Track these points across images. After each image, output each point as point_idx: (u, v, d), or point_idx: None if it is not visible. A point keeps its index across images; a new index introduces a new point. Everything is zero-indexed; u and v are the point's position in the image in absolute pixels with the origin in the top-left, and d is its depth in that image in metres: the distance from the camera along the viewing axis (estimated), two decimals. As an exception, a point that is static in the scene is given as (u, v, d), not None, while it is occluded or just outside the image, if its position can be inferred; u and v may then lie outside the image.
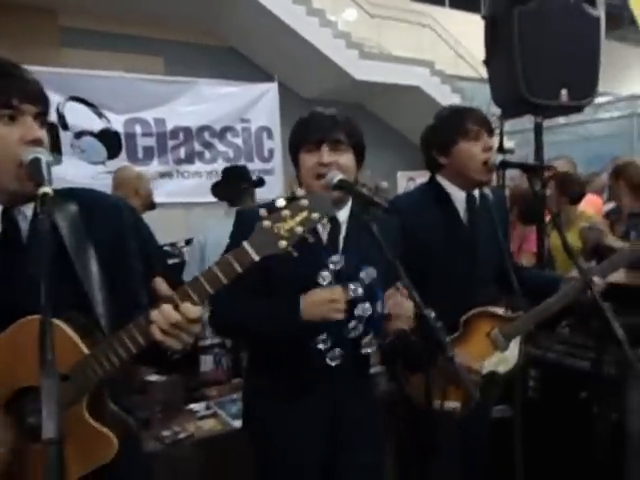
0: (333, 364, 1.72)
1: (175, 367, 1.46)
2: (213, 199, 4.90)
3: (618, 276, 2.61)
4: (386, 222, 1.75)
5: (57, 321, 1.21)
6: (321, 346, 1.69)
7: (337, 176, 1.67)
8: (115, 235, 1.41)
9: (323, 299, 1.60)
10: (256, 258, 1.21)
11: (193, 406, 2.57)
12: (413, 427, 2.15)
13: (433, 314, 1.47)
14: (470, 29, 10.95)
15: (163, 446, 2.26)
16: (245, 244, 1.21)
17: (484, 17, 2.89)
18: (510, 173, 3.17)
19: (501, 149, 2.91)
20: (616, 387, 2.02)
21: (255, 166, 5.07)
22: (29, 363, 1.16)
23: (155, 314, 1.18)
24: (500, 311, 2.11)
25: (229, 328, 1.82)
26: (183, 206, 5.16)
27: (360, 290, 1.70)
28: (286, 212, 1.23)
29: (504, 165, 2.04)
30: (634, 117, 6.21)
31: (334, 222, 1.75)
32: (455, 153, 2.03)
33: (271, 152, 5.12)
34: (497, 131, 3.01)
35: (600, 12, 2.92)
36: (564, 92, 2.80)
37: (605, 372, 2.01)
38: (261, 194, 4.90)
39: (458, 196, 2.09)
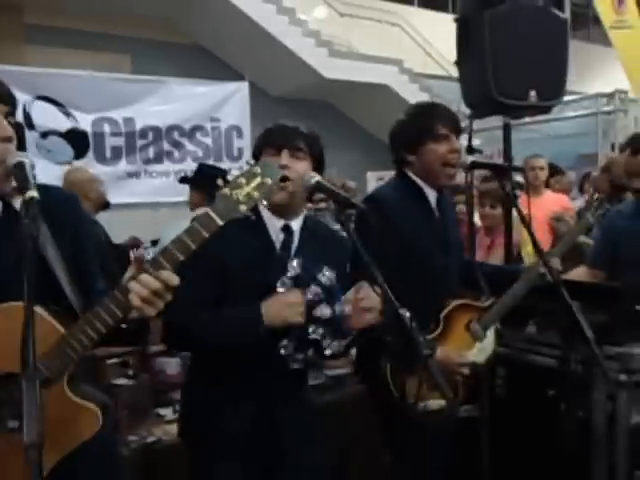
0: (296, 367, 1.73)
1: (129, 338, 1.51)
2: (181, 198, 4.86)
3: (579, 275, 2.69)
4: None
5: (35, 308, 1.24)
6: (283, 351, 1.69)
7: (314, 177, 1.70)
8: (72, 225, 1.51)
9: (283, 303, 1.62)
10: (220, 223, 1.32)
11: (160, 410, 2.55)
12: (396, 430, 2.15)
13: (408, 314, 1.49)
14: (438, 28, 11.06)
15: (130, 451, 2.24)
16: (209, 210, 1.33)
17: (456, 19, 2.91)
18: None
19: (470, 149, 2.95)
20: (582, 384, 2.07)
21: (224, 165, 5.04)
22: (8, 349, 1.20)
23: (134, 284, 1.26)
24: (475, 302, 2.16)
25: (189, 342, 1.76)
26: (150, 206, 5.10)
27: (319, 292, 1.70)
28: (241, 179, 1.34)
29: (475, 166, 2.07)
30: (599, 115, 6.34)
31: (288, 231, 1.78)
32: (422, 152, 2.06)
33: (241, 151, 5.11)
34: (467, 131, 3.06)
35: (566, 13, 2.98)
36: (533, 93, 2.85)
37: (571, 370, 2.05)
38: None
39: (429, 192, 2.13)
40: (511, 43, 2.79)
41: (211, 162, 4.96)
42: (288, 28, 9.12)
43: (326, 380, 2.73)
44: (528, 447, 2.25)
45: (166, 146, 4.76)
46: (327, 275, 1.73)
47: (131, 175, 4.68)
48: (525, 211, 2.13)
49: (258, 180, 1.35)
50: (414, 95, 10.20)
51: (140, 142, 4.65)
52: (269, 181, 1.36)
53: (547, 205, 4.08)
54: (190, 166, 4.91)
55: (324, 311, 1.71)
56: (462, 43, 2.94)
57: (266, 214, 1.78)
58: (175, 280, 1.27)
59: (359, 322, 1.68)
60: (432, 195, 2.14)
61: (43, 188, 1.47)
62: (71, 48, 7.91)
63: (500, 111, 2.97)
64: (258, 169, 1.36)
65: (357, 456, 2.57)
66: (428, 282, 2.02)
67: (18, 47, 7.77)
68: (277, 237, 1.77)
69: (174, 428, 2.38)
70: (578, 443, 2.04)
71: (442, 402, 1.96)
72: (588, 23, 13.32)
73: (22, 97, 3.99)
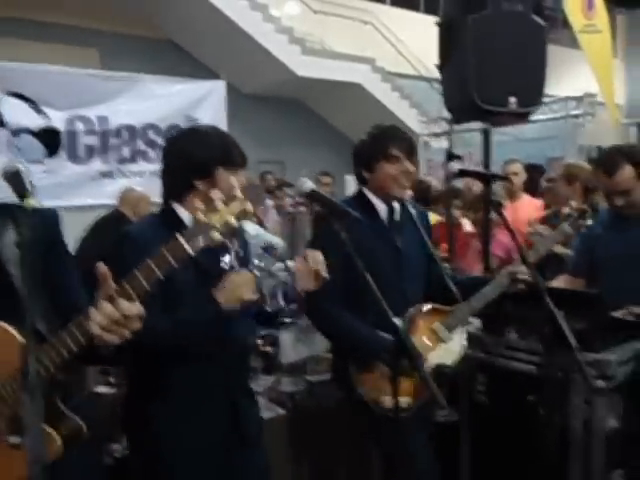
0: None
1: (110, 361, 1.50)
2: (157, 199, 4.78)
3: (562, 283, 2.76)
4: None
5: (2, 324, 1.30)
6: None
7: (308, 184, 1.76)
8: (51, 242, 1.48)
9: (235, 284, 1.66)
10: (190, 250, 1.24)
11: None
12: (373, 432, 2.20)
13: (400, 323, 1.57)
14: (410, 27, 11.15)
15: (112, 460, 2.22)
16: (178, 236, 1.24)
17: (438, 23, 2.94)
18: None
19: (450, 155, 2.99)
20: (560, 390, 2.13)
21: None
22: None
23: (93, 312, 1.21)
24: (444, 307, 2.23)
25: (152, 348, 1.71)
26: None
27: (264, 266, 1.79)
28: (220, 204, 1.26)
29: (463, 174, 2.11)
30: (568, 119, 6.44)
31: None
32: (376, 170, 2.21)
33: (217, 151, 5.04)
34: (447, 136, 3.10)
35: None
36: (513, 99, 2.89)
37: (551, 376, 2.10)
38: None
39: (381, 207, 2.26)
40: (493, 48, 2.85)
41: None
42: (261, 24, 9.08)
43: (307, 386, 2.75)
44: (508, 451, 2.30)
45: (141, 145, 4.69)
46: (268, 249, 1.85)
47: (105, 175, 4.59)
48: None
49: (237, 206, 1.27)
50: (386, 94, 10.29)
51: (114, 141, 4.56)
52: (250, 208, 1.30)
53: (523, 210, 4.14)
54: (165, 166, 4.84)
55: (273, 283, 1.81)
56: (444, 47, 2.97)
57: (187, 218, 1.81)
58: (130, 311, 1.21)
59: (305, 285, 1.74)
60: (383, 209, 2.26)
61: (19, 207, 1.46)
62: (36, 41, 7.72)
63: (481, 117, 3.02)
64: (239, 194, 1.28)
65: (345, 460, 2.59)
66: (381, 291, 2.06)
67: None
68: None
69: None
70: (556, 447, 2.10)
71: (404, 400, 2.03)
72: (558, 26, 13.56)
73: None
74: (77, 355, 1.28)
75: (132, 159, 4.68)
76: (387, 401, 2.05)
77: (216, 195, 1.26)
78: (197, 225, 1.25)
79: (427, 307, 2.21)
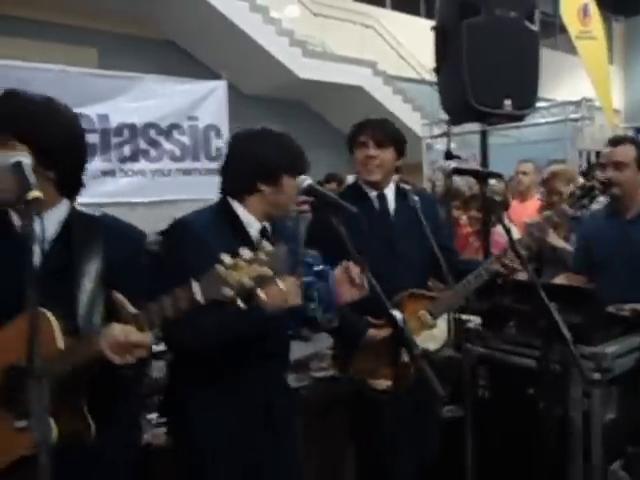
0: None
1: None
2: (158, 198, 4.81)
3: (566, 280, 2.79)
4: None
5: (47, 313, 1.36)
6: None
7: (306, 181, 1.78)
8: (123, 261, 1.52)
9: (280, 288, 1.63)
10: (201, 300, 1.31)
11: (147, 415, 2.54)
12: (366, 421, 2.27)
13: (399, 315, 1.59)
14: (411, 31, 11.20)
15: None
16: (193, 284, 1.31)
17: (434, 28, 2.99)
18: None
19: (449, 155, 3.03)
20: (560, 383, 2.14)
21: (202, 165, 5.01)
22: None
23: (104, 331, 1.32)
24: (425, 292, 2.30)
25: (196, 344, 1.77)
26: (126, 206, 5.00)
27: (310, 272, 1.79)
28: (243, 264, 1.31)
29: (457, 172, 2.13)
30: (567, 122, 6.50)
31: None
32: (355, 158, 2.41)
33: (219, 151, 5.06)
34: (445, 137, 3.13)
35: (536, 24, 3.09)
36: (507, 102, 2.96)
37: (550, 369, 2.12)
38: (210, 193, 4.86)
39: (372, 195, 2.37)
40: (487, 52, 2.91)
41: (189, 161, 4.92)
42: (262, 26, 9.13)
43: (312, 382, 2.77)
44: (509, 444, 2.32)
45: (142, 144, 4.68)
46: (314, 257, 1.82)
47: (106, 174, 4.59)
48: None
49: (258, 269, 1.31)
50: (387, 98, 10.34)
51: (115, 140, 4.56)
52: (269, 274, 1.33)
53: (533, 209, 4.14)
54: (167, 165, 4.85)
55: (321, 290, 1.79)
56: (440, 51, 3.03)
57: (245, 217, 1.85)
58: (141, 340, 1.31)
59: (347, 295, 1.79)
60: (373, 196, 2.38)
61: (114, 222, 1.60)
62: (34, 40, 7.73)
63: (477, 118, 3.08)
64: (265, 258, 1.32)
65: (351, 456, 2.60)
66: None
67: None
68: (256, 237, 1.83)
69: (162, 431, 2.40)
70: (556, 439, 2.12)
71: (385, 382, 2.16)
72: (556, 32, 13.64)
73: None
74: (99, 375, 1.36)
75: (133, 158, 4.67)
76: (376, 383, 2.17)
77: (244, 252, 1.31)
78: (214, 277, 1.30)
79: (414, 292, 2.27)
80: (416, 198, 2.38)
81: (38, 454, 1.10)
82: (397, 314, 1.66)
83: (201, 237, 1.73)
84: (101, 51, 8.37)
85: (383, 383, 2.18)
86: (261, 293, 1.63)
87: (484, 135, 3.10)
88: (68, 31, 8.24)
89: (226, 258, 1.30)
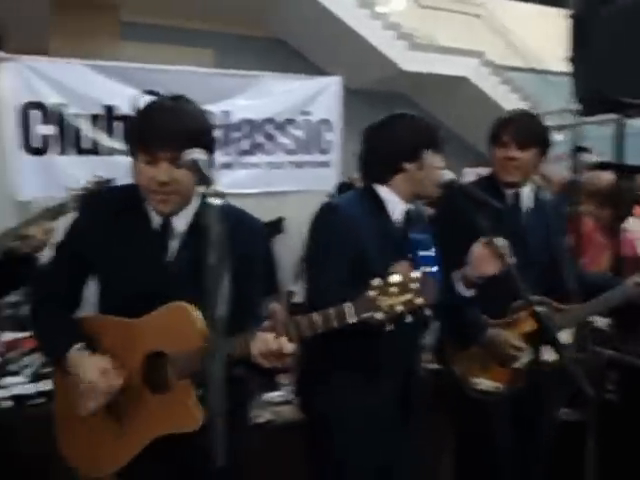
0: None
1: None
2: (270, 189, 4.97)
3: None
4: None
5: (192, 308, 1.47)
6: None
7: (448, 175, 1.88)
8: (248, 254, 1.61)
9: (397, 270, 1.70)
10: (353, 320, 1.37)
11: (267, 394, 2.66)
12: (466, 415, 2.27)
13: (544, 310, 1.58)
14: (522, 19, 10.80)
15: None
16: (347, 305, 1.37)
17: (571, 16, 2.89)
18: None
19: (579, 148, 2.95)
20: None
21: (313, 158, 5.12)
22: (170, 337, 1.48)
23: (257, 337, 1.41)
24: (556, 303, 2.22)
25: None
26: (238, 197, 5.18)
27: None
28: (394, 289, 1.35)
29: (603, 166, 2.07)
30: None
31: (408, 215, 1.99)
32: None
33: (330, 144, 5.16)
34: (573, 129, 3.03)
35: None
36: (647, 92, 2.80)
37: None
38: (318, 185, 4.98)
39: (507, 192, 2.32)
40: (626, 40, 2.77)
41: (301, 154, 5.04)
42: (368, 22, 9.13)
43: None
44: (637, 453, 2.22)
45: (259, 138, 4.86)
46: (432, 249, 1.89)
47: (225, 166, 4.80)
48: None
49: (409, 297, 1.35)
50: (495, 88, 10.02)
51: (235, 134, 4.76)
52: (420, 302, 1.36)
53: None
54: (281, 158, 5.00)
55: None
56: (577, 40, 2.92)
57: (390, 198, 1.90)
58: (287, 349, 1.38)
59: (490, 268, 1.84)
60: (508, 191, 2.29)
61: (237, 212, 1.65)
62: (156, 43, 8.23)
63: (613, 109, 2.94)
64: (417, 286, 1.35)
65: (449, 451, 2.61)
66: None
67: (113, 43, 8.14)
68: (400, 219, 1.92)
69: (285, 410, 2.51)
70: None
71: (494, 384, 2.14)
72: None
73: (130, 91, 4.18)
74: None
75: (250, 151, 4.86)
76: (477, 382, 2.17)
77: (395, 280, 1.36)
78: (367, 301, 1.36)
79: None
80: (550, 198, 2.34)
81: (211, 423, 1.20)
82: (541, 310, 1.66)
83: (347, 220, 1.80)
84: (216, 51, 8.72)
85: (485, 383, 2.17)
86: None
87: (620, 127, 2.95)
88: (185, 34, 8.67)
89: (376, 281, 1.36)
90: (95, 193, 1.67)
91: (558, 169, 4.91)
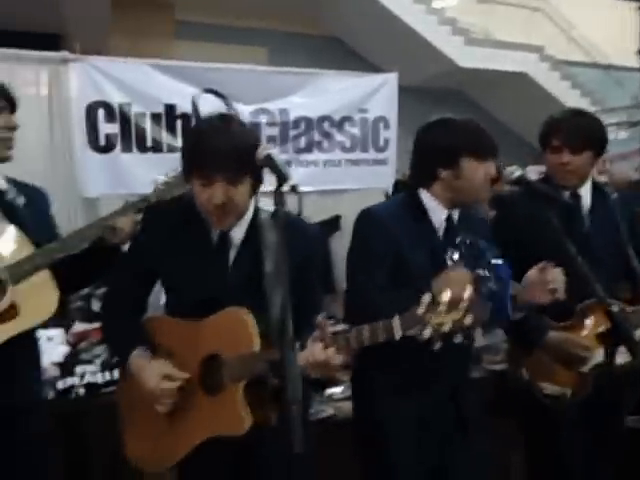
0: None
1: None
2: (327, 187, 4.98)
3: None
4: None
5: (248, 313, 1.51)
6: None
7: (517, 171, 1.83)
8: (307, 258, 1.65)
9: (448, 280, 1.67)
10: (399, 335, 1.38)
11: (329, 390, 2.67)
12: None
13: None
14: (585, 12, 10.44)
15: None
16: (395, 320, 1.39)
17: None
18: None
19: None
20: None
21: (370, 155, 5.11)
22: (225, 340, 1.52)
23: (308, 347, 1.43)
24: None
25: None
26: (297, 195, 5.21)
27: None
28: (443, 307, 1.34)
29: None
30: None
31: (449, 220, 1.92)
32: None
33: (387, 142, 5.14)
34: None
35: None
36: None
37: None
38: (375, 183, 4.97)
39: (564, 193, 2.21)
40: None
41: (358, 152, 5.04)
42: (424, 17, 9.03)
43: (483, 374, 2.80)
44: None
45: (316, 136, 4.88)
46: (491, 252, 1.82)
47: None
48: None
49: (458, 316, 1.34)
50: (554, 84, 9.75)
51: (293, 132, 4.79)
52: (469, 322, 1.34)
53: None
54: (338, 156, 5.01)
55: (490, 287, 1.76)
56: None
57: (431, 204, 1.85)
58: (335, 360, 1.41)
59: (540, 297, 1.78)
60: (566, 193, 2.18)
61: (295, 220, 1.64)
62: (210, 42, 8.34)
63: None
64: (465, 305, 1.34)
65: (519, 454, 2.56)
66: None
67: (168, 42, 8.31)
68: (440, 225, 1.86)
69: (345, 405, 2.51)
70: None
71: (560, 389, 2.08)
72: None
73: (190, 90, 4.26)
74: None
75: (308, 149, 4.88)
76: (545, 387, 2.10)
77: (445, 298, 1.35)
78: (415, 317, 1.37)
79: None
80: (614, 195, 2.24)
81: (291, 411, 1.22)
82: (615, 308, 1.60)
83: (384, 224, 1.79)
84: (271, 50, 8.80)
85: (552, 388, 2.11)
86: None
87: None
88: (239, 32, 8.78)
89: (426, 298, 1.36)
90: (155, 207, 1.70)
91: (624, 167, 4.76)
